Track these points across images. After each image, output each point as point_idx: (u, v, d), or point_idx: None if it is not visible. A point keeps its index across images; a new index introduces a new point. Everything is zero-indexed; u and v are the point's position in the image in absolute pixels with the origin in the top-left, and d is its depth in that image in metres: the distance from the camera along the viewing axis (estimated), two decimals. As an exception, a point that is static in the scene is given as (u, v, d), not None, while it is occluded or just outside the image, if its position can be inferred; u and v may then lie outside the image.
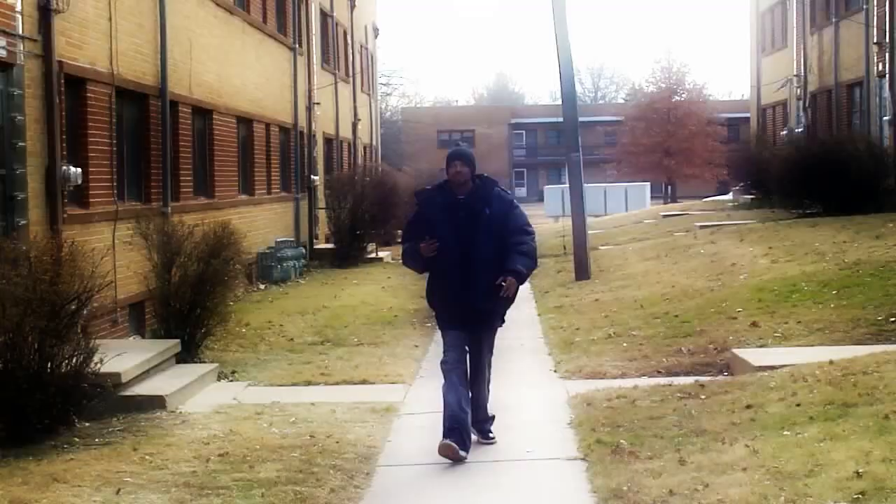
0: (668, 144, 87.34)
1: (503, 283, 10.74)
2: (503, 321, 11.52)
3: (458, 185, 11.10)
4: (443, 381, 11.16)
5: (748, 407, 11.18)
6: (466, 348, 11.24)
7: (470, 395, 11.22)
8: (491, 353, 11.55)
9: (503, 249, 10.95)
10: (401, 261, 12.30)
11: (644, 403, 12.22)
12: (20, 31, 14.99)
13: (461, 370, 11.14)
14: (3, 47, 14.47)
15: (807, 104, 45.30)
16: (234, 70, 27.00)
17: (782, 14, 49.45)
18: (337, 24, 44.44)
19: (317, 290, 26.64)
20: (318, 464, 10.48)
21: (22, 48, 15.06)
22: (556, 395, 13.44)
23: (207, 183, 24.58)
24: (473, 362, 11.33)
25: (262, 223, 29.20)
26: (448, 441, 10.66)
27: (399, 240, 16.06)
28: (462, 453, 10.66)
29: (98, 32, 17.86)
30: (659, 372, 14.62)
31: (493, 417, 11.60)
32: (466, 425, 10.91)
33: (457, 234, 10.93)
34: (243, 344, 18.63)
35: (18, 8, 14.90)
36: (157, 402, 13.30)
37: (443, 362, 11.24)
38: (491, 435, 11.41)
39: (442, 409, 10.97)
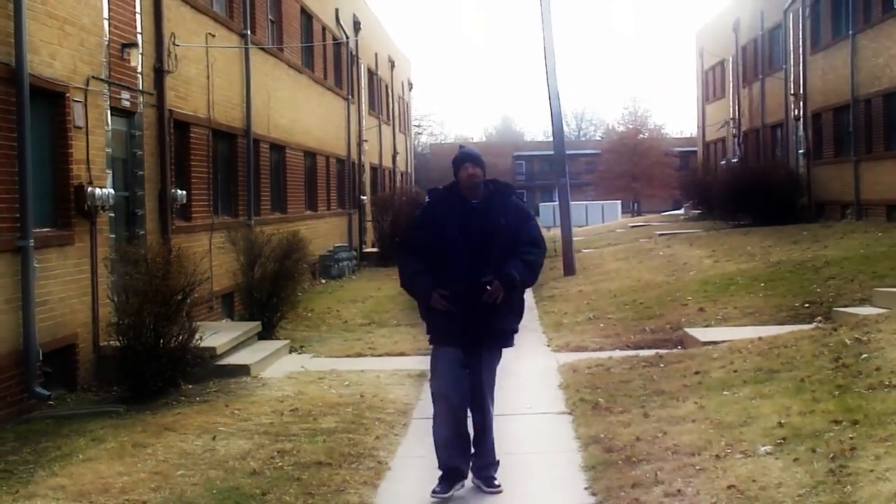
0: (635, 171, 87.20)
1: (489, 287, 7.59)
2: (512, 341, 8.00)
3: (470, 188, 7.86)
4: (433, 409, 7.89)
5: (696, 373, 11.15)
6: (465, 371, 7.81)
7: (472, 434, 7.88)
8: (493, 380, 7.97)
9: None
10: (399, 272, 8.12)
11: (616, 370, 12.19)
12: (140, 87, 15.04)
13: (459, 394, 7.74)
14: (128, 99, 14.52)
15: (740, 140, 45.24)
16: (302, 115, 27.02)
17: (721, 72, 49.36)
18: (380, 80, 44.46)
19: (365, 284, 26.61)
20: (367, 417, 10.48)
21: (141, 100, 15.11)
22: (549, 364, 13.41)
23: (281, 201, 24.61)
24: (474, 391, 7.80)
25: (323, 232, 29.19)
26: (437, 495, 7.62)
27: None
28: (456, 490, 7.74)
29: (198, 87, 17.91)
30: (628, 346, 14.58)
31: (499, 463, 7.93)
32: (463, 461, 7.80)
33: (468, 243, 7.68)
34: (309, 325, 18.66)
35: (139, 70, 14.96)
36: (243, 370, 13.31)
37: (433, 387, 7.91)
38: (496, 482, 7.79)
39: (433, 442, 7.89)
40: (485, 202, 7.87)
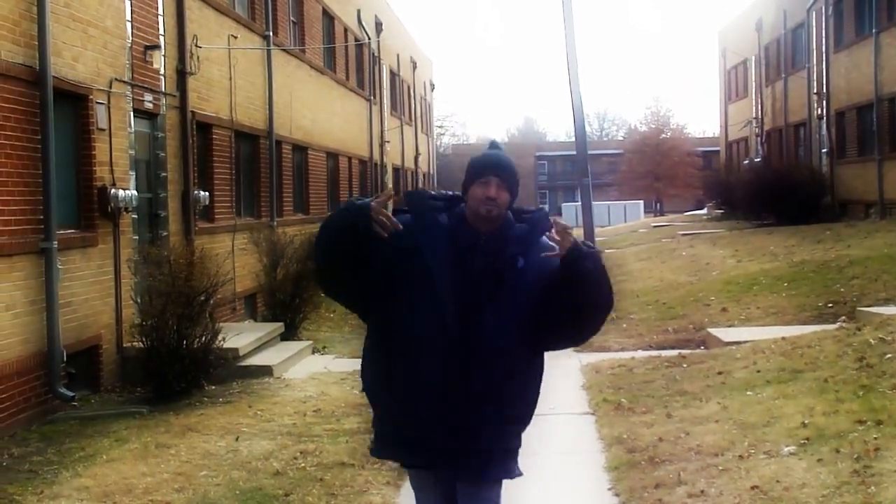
0: (657, 171, 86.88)
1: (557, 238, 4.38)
2: (516, 465, 4.66)
3: (483, 220, 4.47)
4: None
5: (719, 373, 11.11)
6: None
7: None
8: None
9: (528, 336, 4.50)
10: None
11: (639, 371, 12.16)
12: (163, 89, 15.09)
13: None
14: (151, 101, 14.57)
15: (763, 140, 45.05)
16: (324, 116, 27.05)
17: (744, 71, 49.18)
18: (402, 81, 44.49)
19: (388, 284, 26.55)
20: (389, 417, 10.47)
21: (164, 102, 15.16)
22: (572, 364, 13.38)
23: (304, 202, 24.63)
24: None
25: (345, 233, 29.14)
26: None
27: None
28: None
29: (221, 89, 17.95)
30: (651, 346, 14.55)
31: None
32: None
33: (459, 294, 4.39)
34: (331, 326, 18.67)
35: (162, 72, 15.01)
36: (266, 371, 13.33)
37: None
38: None
39: None
40: (497, 235, 4.51)
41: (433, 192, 4.65)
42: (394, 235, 4.30)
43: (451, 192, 4.70)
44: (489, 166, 4.52)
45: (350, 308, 4.81)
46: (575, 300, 4.39)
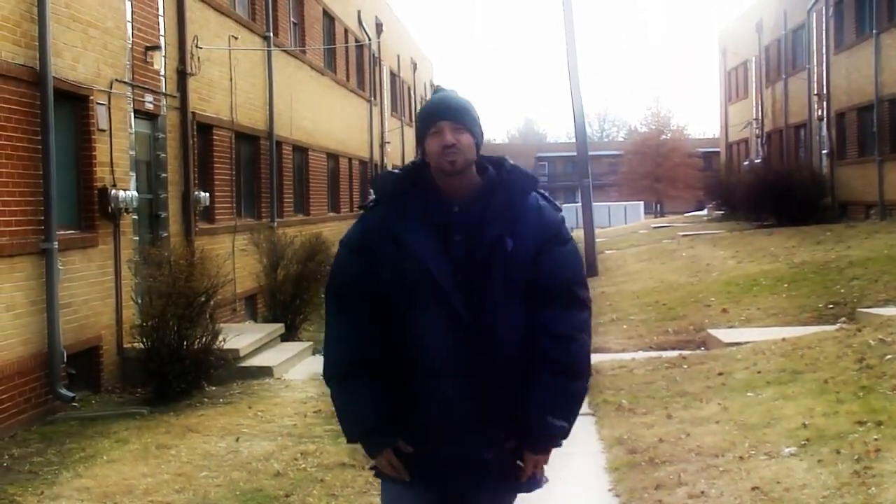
0: (657, 172, 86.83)
1: (519, 462, 3.90)
2: (537, 481, 4.03)
3: (448, 174, 3.78)
4: None
5: (720, 374, 11.10)
6: None
7: None
8: None
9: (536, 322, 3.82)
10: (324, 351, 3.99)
11: (640, 371, 12.15)
12: (163, 90, 15.09)
13: None
14: (151, 102, 14.57)
15: (763, 141, 45.10)
16: (325, 117, 27.05)
17: (744, 72, 49.22)
18: (402, 82, 44.51)
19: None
20: (390, 418, 10.46)
21: (165, 103, 15.16)
22: (572, 365, 13.35)
23: (304, 203, 24.63)
24: None
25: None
26: None
27: None
28: None
29: (221, 90, 17.95)
30: (651, 347, 14.54)
31: None
32: None
33: (451, 288, 3.72)
34: (332, 326, 18.66)
35: (162, 73, 15.01)
36: (266, 372, 13.33)
37: None
38: None
39: None
40: (474, 204, 3.83)
41: (397, 172, 3.98)
42: (375, 248, 3.85)
43: (413, 163, 3.99)
44: (436, 111, 3.85)
45: None
46: None
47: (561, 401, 3.85)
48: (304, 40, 24.80)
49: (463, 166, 3.80)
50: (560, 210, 3.97)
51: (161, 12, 15.06)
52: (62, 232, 11.69)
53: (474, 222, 3.78)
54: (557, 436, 3.88)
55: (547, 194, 3.98)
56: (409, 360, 3.79)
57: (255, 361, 13.73)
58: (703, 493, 7.03)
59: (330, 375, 3.92)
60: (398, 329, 3.80)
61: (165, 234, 15.06)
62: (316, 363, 14.57)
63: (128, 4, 13.81)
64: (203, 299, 12.35)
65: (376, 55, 35.91)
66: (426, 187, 3.86)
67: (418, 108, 49.77)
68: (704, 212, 54.20)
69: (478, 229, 3.77)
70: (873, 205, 31.18)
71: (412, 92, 48.19)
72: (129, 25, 13.82)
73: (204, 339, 12.25)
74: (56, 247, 11.30)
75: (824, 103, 35.61)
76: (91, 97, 12.60)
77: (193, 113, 16.27)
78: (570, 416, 3.90)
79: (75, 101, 12.41)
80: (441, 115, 3.81)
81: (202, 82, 16.80)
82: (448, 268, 3.74)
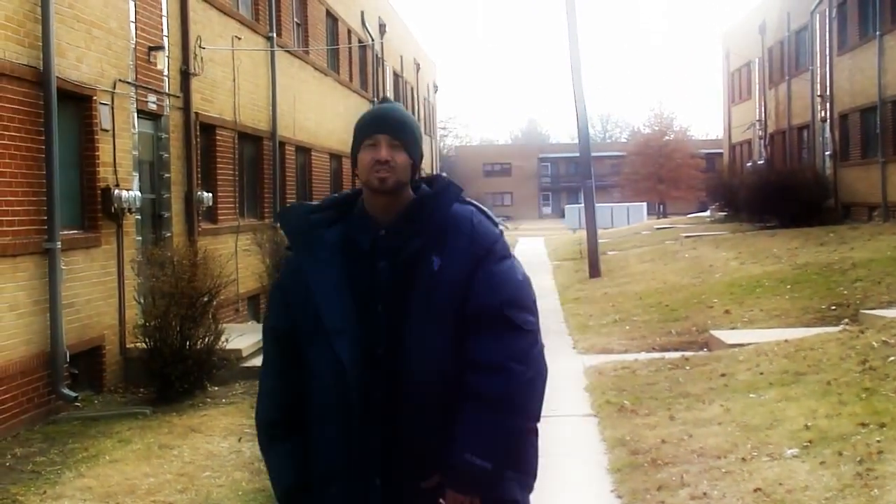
0: (660, 173, 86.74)
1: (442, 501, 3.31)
2: None
3: (376, 191, 3.42)
4: None
5: (722, 375, 11.09)
6: None
7: None
8: None
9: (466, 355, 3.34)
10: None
11: (642, 373, 12.14)
12: (166, 90, 15.11)
13: None
14: (154, 102, 14.58)
15: (767, 142, 45.09)
16: (328, 117, 27.07)
17: (748, 73, 49.20)
18: (406, 83, 44.52)
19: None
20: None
21: (168, 103, 15.17)
22: (575, 366, 13.36)
23: (307, 204, 24.62)
24: None
25: (349, 235, 29.17)
26: None
27: None
28: None
29: (224, 90, 17.97)
30: (654, 348, 14.52)
31: None
32: None
33: (365, 324, 3.33)
34: (335, 327, 18.66)
35: (166, 73, 15.03)
36: (269, 372, 13.31)
37: None
38: None
39: None
40: (399, 225, 3.45)
41: (317, 203, 3.62)
42: (291, 289, 3.52)
43: (347, 191, 3.67)
44: (375, 123, 3.47)
45: None
46: None
47: (483, 438, 3.32)
48: (307, 41, 24.82)
49: (394, 187, 3.42)
50: (497, 224, 3.53)
51: (164, 12, 15.07)
52: (65, 232, 11.70)
53: (400, 245, 3.40)
54: (479, 477, 3.32)
55: (484, 207, 3.58)
56: (310, 404, 3.47)
57: (258, 362, 13.66)
58: (705, 494, 7.03)
59: (258, 434, 3.66)
60: (307, 372, 3.47)
61: (168, 235, 15.07)
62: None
63: (131, 4, 13.83)
64: (206, 299, 12.35)
65: (379, 56, 35.92)
66: (357, 213, 3.51)
67: (421, 109, 49.87)
68: (707, 213, 54.15)
69: (402, 254, 3.39)
70: (876, 206, 31.15)
71: (415, 93, 48.19)
72: (132, 25, 13.84)
73: (207, 340, 12.26)
74: (59, 247, 11.31)
75: (827, 105, 35.60)
76: (94, 97, 12.61)
77: (196, 113, 16.28)
78: (497, 456, 3.37)
79: (79, 101, 12.42)
80: (379, 128, 3.44)
81: (205, 83, 16.82)
82: (346, 301, 3.36)
